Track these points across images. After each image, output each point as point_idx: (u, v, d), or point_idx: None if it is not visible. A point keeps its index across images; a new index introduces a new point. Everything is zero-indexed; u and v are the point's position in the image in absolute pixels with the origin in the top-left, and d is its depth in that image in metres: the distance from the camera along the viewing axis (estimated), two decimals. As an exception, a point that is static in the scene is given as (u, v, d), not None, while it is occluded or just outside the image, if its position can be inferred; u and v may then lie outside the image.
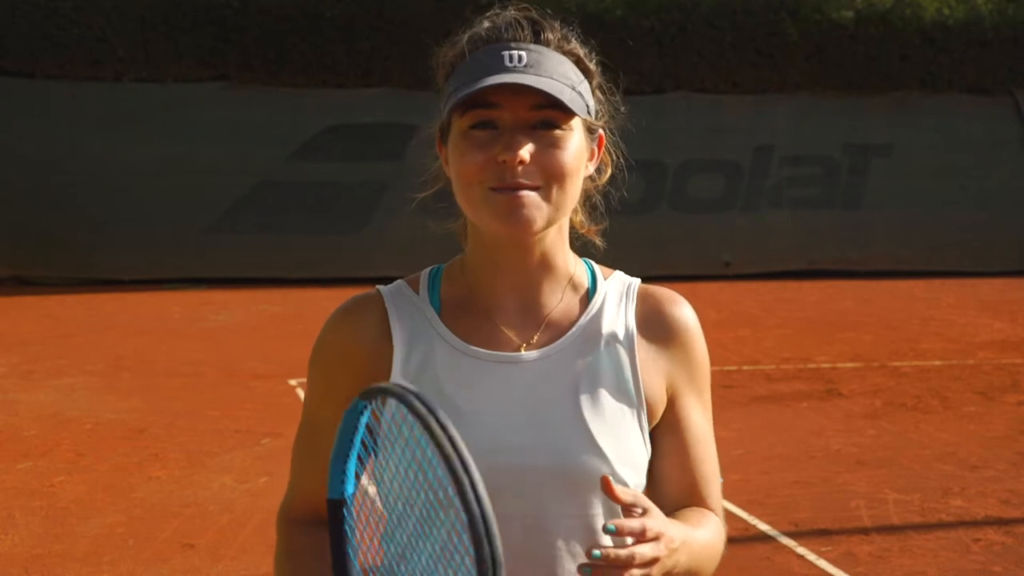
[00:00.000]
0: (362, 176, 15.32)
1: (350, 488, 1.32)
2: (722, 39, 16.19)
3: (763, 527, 5.50)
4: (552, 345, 1.58)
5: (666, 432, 1.60)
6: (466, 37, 1.54)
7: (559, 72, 1.50)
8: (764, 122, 16.58)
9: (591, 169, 1.59)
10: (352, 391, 1.59)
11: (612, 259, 1.60)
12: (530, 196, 1.48)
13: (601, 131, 1.60)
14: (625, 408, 1.56)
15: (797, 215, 16.82)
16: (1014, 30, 16.97)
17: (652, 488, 1.61)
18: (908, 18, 16.62)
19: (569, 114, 1.49)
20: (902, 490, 6.05)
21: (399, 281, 1.65)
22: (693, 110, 16.28)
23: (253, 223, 15.19)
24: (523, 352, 1.57)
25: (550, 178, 1.49)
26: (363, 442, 1.32)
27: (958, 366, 9.69)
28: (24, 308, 12.83)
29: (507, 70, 1.47)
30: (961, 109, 17.09)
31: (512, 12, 1.55)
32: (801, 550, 5.19)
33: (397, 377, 1.55)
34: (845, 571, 4.93)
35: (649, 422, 1.59)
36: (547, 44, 1.53)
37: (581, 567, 1.35)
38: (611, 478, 1.40)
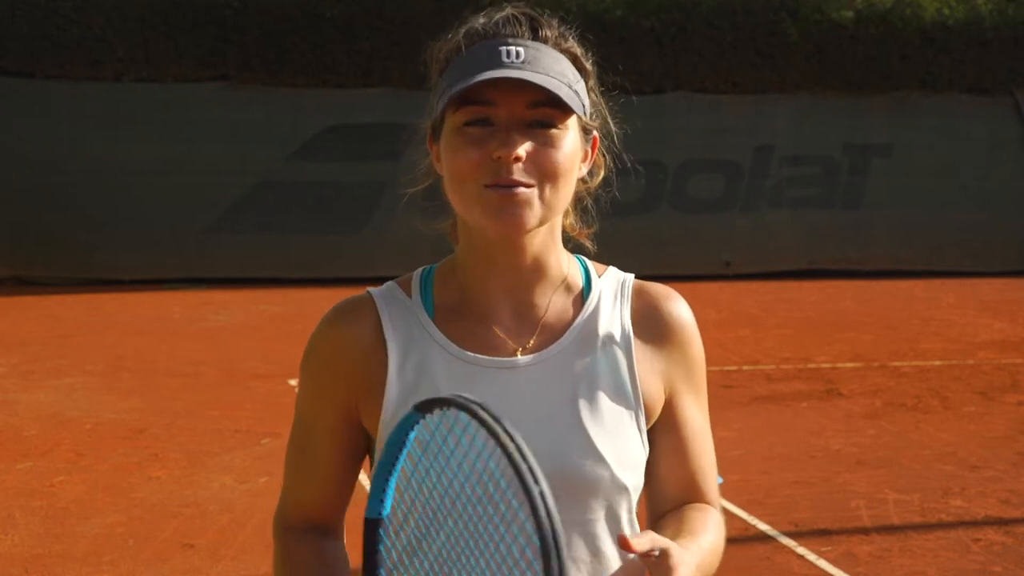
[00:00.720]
0: (362, 176, 15.31)
1: (388, 507, 1.28)
2: (722, 39, 16.19)
3: (763, 527, 5.50)
4: (548, 349, 1.56)
5: (664, 430, 1.59)
6: (462, 32, 1.52)
7: (556, 70, 1.48)
8: (764, 122, 16.57)
9: (584, 171, 1.57)
10: (344, 397, 1.57)
11: (612, 259, 1.59)
12: (524, 194, 1.46)
13: (595, 133, 1.58)
14: (623, 410, 1.55)
15: (797, 215, 16.81)
16: (1014, 30, 16.96)
17: (651, 485, 1.61)
18: (908, 18, 16.61)
19: (566, 112, 1.48)
20: (902, 490, 6.05)
21: (390, 283, 1.62)
22: (693, 110, 16.27)
23: (253, 223, 15.18)
24: (519, 357, 1.55)
25: (544, 177, 1.47)
26: (409, 455, 1.27)
27: (958, 366, 9.69)
28: (24, 308, 12.83)
29: (504, 66, 1.45)
30: (961, 109, 17.08)
31: (510, 9, 1.53)
32: (801, 550, 5.19)
33: (393, 383, 1.53)
34: (845, 571, 4.93)
35: (647, 421, 1.58)
36: (545, 41, 1.51)
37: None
38: (625, 533, 1.39)
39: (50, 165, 14.56)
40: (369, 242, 15.26)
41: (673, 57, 16.07)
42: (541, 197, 1.48)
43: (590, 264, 1.65)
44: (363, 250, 15.20)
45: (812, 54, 16.49)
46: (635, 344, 1.58)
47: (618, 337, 1.58)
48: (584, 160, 1.57)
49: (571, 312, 1.59)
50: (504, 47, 1.47)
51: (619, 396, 1.55)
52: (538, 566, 1.04)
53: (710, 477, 1.62)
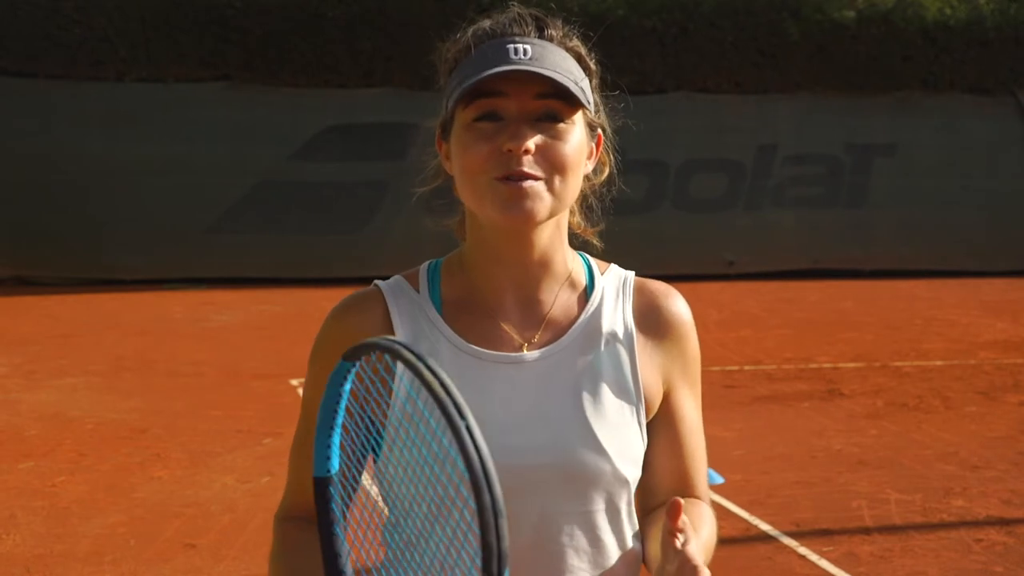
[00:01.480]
0: (363, 176, 15.31)
1: (335, 464, 1.29)
2: (724, 39, 16.19)
3: (764, 527, 5.49)
4: (553, 344, 1.59)
5: (661, 424, 1.64)
6: (470, 32, 1.57)
7: (563, 66, 1.52)
8: (766, 122, 16.57)
9: (589, 167, 1.61)
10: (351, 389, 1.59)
11: (614, 259, 1.61)
12: (534, 186, 1.50)
13: (600, 131, 1.62)
14: (625, 405, 1.59)
15: (800, 214, 16.81)
16: (1016, 30, 16.95)
17: (645, 476, 1.65)
18: (910, 18, 16.61)
19: (573, 105, 1.52)
20: (904, 490, 6.05)
21: (397, 277, 1.65)
22: (695, 110, 16.26)
23: (254, 223, 15.18)
24: (525, 352, 1.58)
25: (553, 169, 1.51)
26: (348, 410, 1.28)
27: (960, 366, 9.68)
28: (25, 308, 12.83)
29: (512, 62, 1.49)
30: (963, 109, 17.07)
31: (516, 10, 1.57)
32: (803, 550, 5.19)
33: (401, 375, 1.54)
34: (847, 571, 4.93)
35: (646, 415, 1.62)
36: (551, 40, 1.55)
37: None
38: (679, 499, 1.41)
39: (51, 165, 14.56)
40: (370, 242, 15.26)
41: (675, 57, 16.06)
42: (551, 189, 1.52)
43: (592, 261, 1.69)
44: (364, 250, 15.20)
45: (814, 54, 16.48)
46: (637, 341, 1.62)
47: (621, 334, 1.62)
48: (589, 157, 1.60)
49: (575, 308, 1.63)
50: (512, 45, 1.51)
51: (621, 391, 1.59)
52: (473, 502, 1.03)
53: (702, 472, 1.68)
